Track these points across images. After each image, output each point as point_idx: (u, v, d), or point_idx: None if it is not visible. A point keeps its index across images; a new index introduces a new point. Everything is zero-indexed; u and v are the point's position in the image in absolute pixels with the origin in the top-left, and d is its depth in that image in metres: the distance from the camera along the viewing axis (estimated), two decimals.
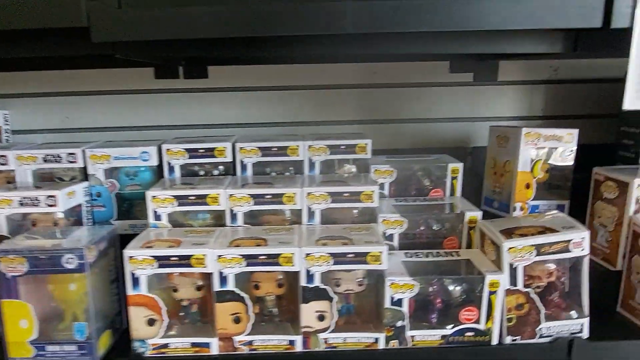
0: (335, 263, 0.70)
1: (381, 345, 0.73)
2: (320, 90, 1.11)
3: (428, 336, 0.73)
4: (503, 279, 0.72)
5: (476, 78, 1.13)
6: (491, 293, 0.72)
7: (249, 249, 0.70)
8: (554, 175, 0.95)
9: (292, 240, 0.72)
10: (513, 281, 0.72)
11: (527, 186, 0.93)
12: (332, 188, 0.80)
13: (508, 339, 0.74)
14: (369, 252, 0.69)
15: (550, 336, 0.75)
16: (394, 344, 0.74)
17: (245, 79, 1.10)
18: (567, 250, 0.71)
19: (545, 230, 0.73)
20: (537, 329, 0.74)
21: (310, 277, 0.70)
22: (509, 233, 0.74)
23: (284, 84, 1.12)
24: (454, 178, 0.92)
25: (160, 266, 0.70)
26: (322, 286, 0.71)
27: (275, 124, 1.12)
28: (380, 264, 0.70)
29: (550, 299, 0.77)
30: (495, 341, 0.74)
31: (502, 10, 0.64)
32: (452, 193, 0.93)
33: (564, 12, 0.64)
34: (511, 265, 0.72)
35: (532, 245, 0.71)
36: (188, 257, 0.69)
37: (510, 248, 0.71)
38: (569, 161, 0.94)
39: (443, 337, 0.74)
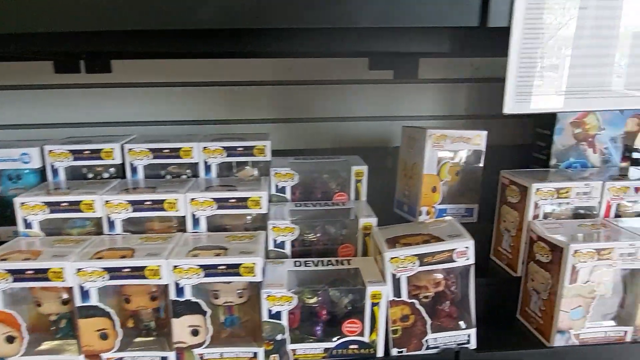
0: (207, 275, 0.66)
1: (260, 359, 0.70)
2: (232, 87, 1.06)
3: (310, 349, 0.71)
4: (386, 290, 0.69)
5: (396, 75, 1.10)
6: (374, 304, 0.69)
7: (113, 262, 0.65)
8: (464, 179, 0.94)
9: (163, 251, 0.68)
10: (397, 292, 0.70)
11: (434, 189, 0.90)
12: (217, 194, 0.76)
13: (394, 351, 0.72)
14: (241, 264, 0.66)
15: (437, 347, 0.73)
16: (275, 358, 0.70)
17: (152, 74, 1.04)
18: (452, 260, 0.69)
19: (430, 239, 0.70)
20: (424, 340, 0.72)
21: (180, 290, 0.66)
22: (393, 242, 0.71)
23: (194, 80, 1.06)
24: (358, 181, 0.88)
25: (16, 280, 0.65)
26: (194, 300, 0.67)
27: (184, 123, 1.06)
28: (254, 275, 0.66)
29: (441, 309, 0.75)
30: (380, 353, 0.71)
31: (375, 8, 0.60)
32: (357, 197, 0.89)
33: (439, 11, 0.60)
34: (394, 275, 0.69)
35: (415, 255, 0.68)
36: (45, 270, 0.65)
37: (392, 258, 0.68)
38: (479, 164, 0.93)
39: (326, 350, 0.70)
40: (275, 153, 1.02)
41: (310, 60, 1.06)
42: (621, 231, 0.76)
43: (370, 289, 0.68)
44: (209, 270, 0.65)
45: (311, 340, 0.71)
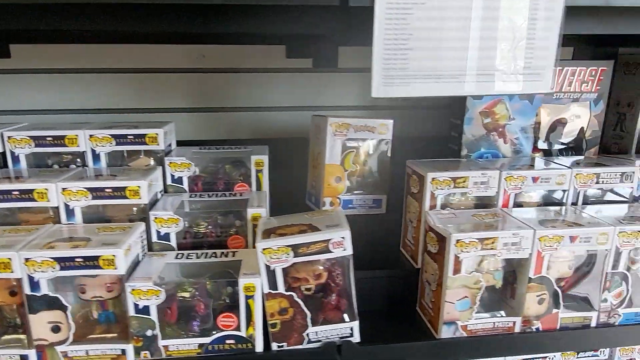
0: (64, 269, 0.62)
1: (130, 357, 0.67)
2: (142, 74, 1.01)
3: (184, 345, 0.68)
4: (259, 282, 0.66)
5: (315, 64, 1.06)
6: (248, 297, 0.66)
7: None
8: (372, 169, 0.91)
9: (19, 243, 0.63)
10: (273, 284, 0.67)
11: (338, 180, 0.88)
12: (91, 183, 0.72)
13: (274, 346, 0.69)
14: (100, 256, 0.62)
15: (319, 341, 0.70)
16: (146, 355, 0.67)
17: (55, 60, 0.98)
18: (328, 251, 0.66)
19: (308, 229, 0.68)
20: (304, 334, 0.69)
21: (35, 284, 0.62)
22: (269, 233, 0.68)
23: (102, 67, 1.01)
24: (259, 171, 0.85)
25: None
26: (53, 294, 0.63)
27: (91, 111, 1.01)
28: (114, 268, 0.63)
29: (327, 302, 0.72)
30: (259, 348, 0.68)
31: None
32: (259, 187, 0.87)
33: None
34: (268, 267, 0.66)
35: (288, 245, 0.65)
36: None
37: (264, 249, 0.65)
38: (387, 154, 0.91)
39: (201, 345, 0.67)
40: (189, 143, 0.99)
41: (224, 48, 1.02)
42: (511, 221, 0.74)
43: (243, 282, 0.65)
44: (66, 263, 0.61)
45: (185, 335, 0.68)
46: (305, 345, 0.69)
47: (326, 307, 0.72)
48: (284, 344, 0.69)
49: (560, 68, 0.90)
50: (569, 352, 0.95)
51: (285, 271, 0.67)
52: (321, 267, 0.69)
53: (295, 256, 0.66)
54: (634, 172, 0.83)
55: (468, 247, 0.68)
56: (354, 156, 0.87)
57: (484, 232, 0.69)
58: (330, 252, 0.66)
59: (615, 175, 0.82)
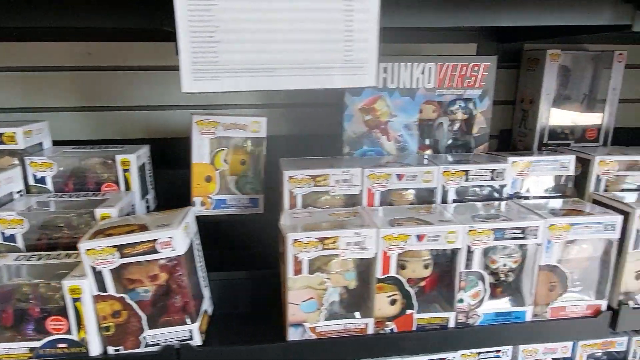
0: None
1: None
2: (25, 73, 1.00)
3: (14, 349, 0.65)
4: (86, 285, 0.64)
5: None
6: (75, 300, 0.64)
7: None
8: (249, 168, 0.89)
9: None
10: (102, 286, 0.65)
11: (209, 179, 0.86)
12: None
13: (110, 350, 0.68)
14: None
15: (157, 344, 0.69)
16: None
17: None
18: (156, 251, 0.64)
19: (137, 229, 0.66)
20: (141, 337, 0.67)
21: None
22: (99, 233, 0.66)
23: None
24: (125, 171, 0.83)
25: None
26: None
27: None
28: None
29: (172, 304, 0.71)
30: (95, 352, 0.66)
31: None
32: (128, 187, 0.85)
33: None
34: (94, 268, 0.64)
35: (113, 246, 0.63)
36: None
37: (87, 250, 0.63)
38: (262, 152, 0.88)
39: (32, 349, 0.65)
40: (75, 142, 0.95)
41: (112, 45, 1.01)
42: (364, 219, 0.71)
43: (67, 284, 0.63)
44: None
45: (14, 339, 0.66)
46: (143, 349, 0.68)
47: (169, 309, 0.70)
48: (120, 347, 0.67)
49: (441, 64, 0.88)
50: (468, 353, 0.93)
51: (116, 273, 0.65)
52: (157, 268, 0.67)
53: (122, 257, 0.64)
54: (504, 170, 0.81)
55: (307, 246, 0.67)
56: (226, 155, 0.86)
57: (323, 232, 0.67)
58: (158, 252, 0.64)
59: (485, 172, 0.80)
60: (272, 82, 0.58)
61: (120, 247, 0.63)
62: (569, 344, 0.93)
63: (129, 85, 1.04)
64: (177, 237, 0.64)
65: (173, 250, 0.64)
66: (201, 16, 0.55)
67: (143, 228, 0.65)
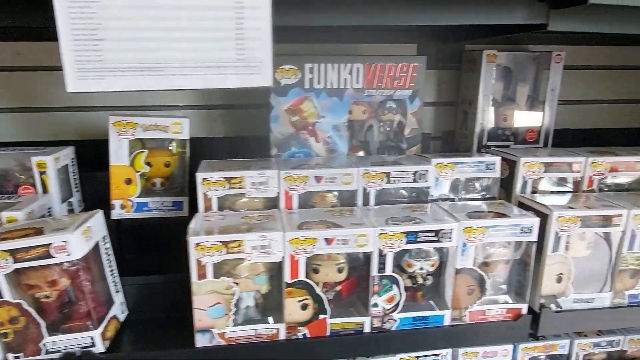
0: None
1: None
2: None
3: None
4: None
5: None
6: None
7: None
8: (172, 170, 0.87)
9: None
10: None
11: (129, 181, 0.84)
12: None
13: (10, 357, 0.65)
14: None
15: (58, 351, 0.67)
16: None
17: None
18: (50, 256, 0.62)
19: (34, 233, 0.64)
20: (41, 344, 0.66)
21: None
22: None
23: None
24: (42, 173, 0.81)
25: None
26: None
27: None
28: None
29: (76, 309, 0.69)
30: None
31: None
32: (45, 190, 0.83)
33: None
34: None
35: (5, 251, 0.61)
36: None
37: None
38: (185, 153, 0.85)
39: None
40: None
41: (42, 44, 0.99)
42: (274, 223, 0.69)
43: None
44: None
45: None
46: (43, 356, 0.66)
47: (74, 315, 0.68)
48: (20, 354, 0.66)
49: (369, 64, 0.87)
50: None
51: (13, 278, 0.63)
52: (56, 274, 0.66)
53: (15, 262, 0.62)
54: (427, 171, 0.80)
55: (210, 250, 0.65)
56: (147, 157, 0.84)
57: (227, 235, 0.66)
58: (53, 257, 0.63)
59: (407, 174, 0.79)
60: (161, 81, 0.57)
61: (12, 252, 0.61)
62: (509, 347, 0.93)
63: (57, 86, 1.02)
64: (73, 241, 0.62)
65: (69, 255, 0.63)
66: (82, 13, 0.53)
67: (39, 232, 0.64)
